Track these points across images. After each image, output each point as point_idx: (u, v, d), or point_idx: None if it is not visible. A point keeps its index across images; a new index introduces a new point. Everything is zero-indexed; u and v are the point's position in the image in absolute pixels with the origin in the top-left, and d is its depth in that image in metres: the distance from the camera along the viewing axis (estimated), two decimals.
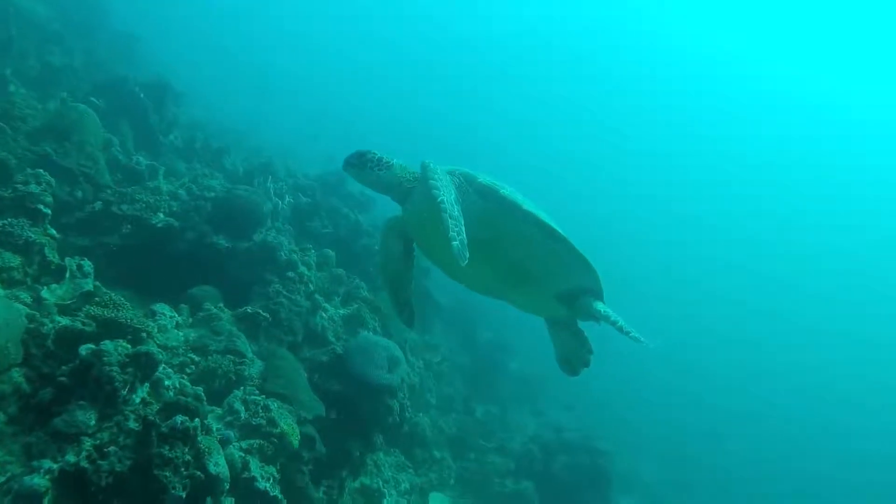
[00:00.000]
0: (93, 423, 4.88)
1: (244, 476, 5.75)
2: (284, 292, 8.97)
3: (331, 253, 11.39)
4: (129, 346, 6.08)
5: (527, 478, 13.34)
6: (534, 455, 14.24)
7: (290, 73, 47.79)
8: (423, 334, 14.66)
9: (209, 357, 7.41)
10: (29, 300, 6.46)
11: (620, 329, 4.01)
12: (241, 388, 7.08)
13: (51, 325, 6.19)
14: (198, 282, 8.75)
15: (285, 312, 8.84)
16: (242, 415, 6.66)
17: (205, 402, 5.62)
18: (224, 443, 5.75)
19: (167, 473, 4.67)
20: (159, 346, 7.35)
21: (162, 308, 7.84)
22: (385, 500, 9.10)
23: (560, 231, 4.05)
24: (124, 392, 5.04)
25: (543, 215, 4.06)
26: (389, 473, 9.81)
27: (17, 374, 5.77)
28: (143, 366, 5.24)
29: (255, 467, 5.93)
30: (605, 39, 71.68)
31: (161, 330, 7.51)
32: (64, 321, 6.41)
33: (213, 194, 10.03)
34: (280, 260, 9.26)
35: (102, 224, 8.89)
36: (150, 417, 4.83)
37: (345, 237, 13.75)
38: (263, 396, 7.10)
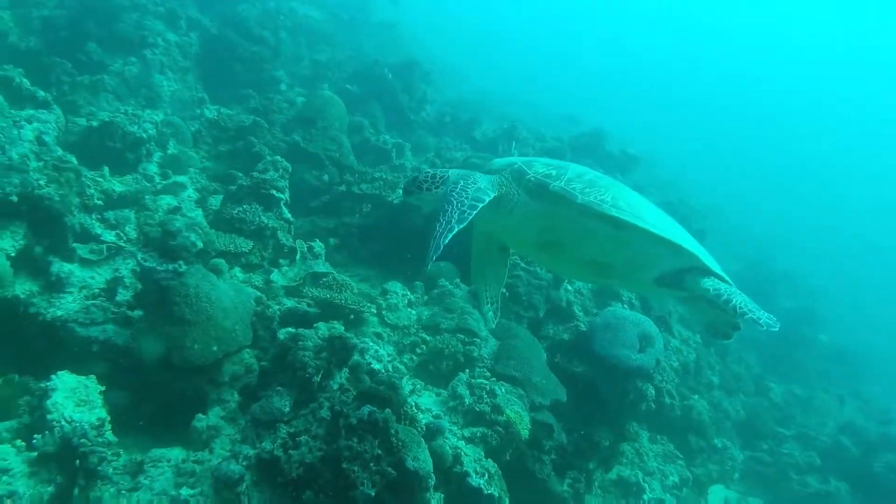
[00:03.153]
0: (287, 409, 4.67)
1: (456, 470, 5.17)
2: (522, 264, 8.27)
3: None
4: (341, 327, 5.91)
5: (837, 477, 10.92)
6: (847, 449, 11.68)
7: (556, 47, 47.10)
8: None
9: (437, 336, 7.01)
10: (261, 283, 6.63)
11: (735, 309, 3.40)
12: (468, 370, 6.54)
13: (276, 308, 6.26)
14: None
15: (524, 286, 8.15)
16: (467, 400, 6.11)
17: (401, 390, 5.13)
18: (435, 432, 5.22)
19: (355, 468, 4.25)
20: (390, 325, 7.21)
21: (394, 286, 7.66)
22: (646, 496, 7.98)
23: (627, 218, 3.41)
24: (317, 378, 4.75)
25: (607, 204, 3.42)
26: (655, 464, 8.61)
27: (249, 356, 5.90)
28: (337, 350, 4.90)
29: (469, 462, 5.31)
30: None
31: (391, 309, 7.31)
32: (289, 303, 6.47)
33: (454, 167, 9.70)
34: None
35: (344, 205, 9.04)
36: (338, 407, 4.46)
37: None
38: (493, 379, 6.49)
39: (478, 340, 7.09)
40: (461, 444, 5.61)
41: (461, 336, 7.06)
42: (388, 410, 4.52)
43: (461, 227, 3.31)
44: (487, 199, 3.45)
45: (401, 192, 3.97)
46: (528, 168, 3.64)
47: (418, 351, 6.98)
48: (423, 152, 11.64)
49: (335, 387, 4.91)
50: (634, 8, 65.95)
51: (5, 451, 4.20)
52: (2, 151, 5.67)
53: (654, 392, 7.64)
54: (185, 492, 4.33)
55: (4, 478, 4.04)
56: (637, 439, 8.42)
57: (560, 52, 46.75)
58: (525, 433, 6.03)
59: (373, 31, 19.63)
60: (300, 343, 4.87)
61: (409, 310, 7.53)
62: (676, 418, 9.57)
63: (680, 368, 10.25)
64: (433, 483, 4.68)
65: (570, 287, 8.73)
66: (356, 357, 5.19)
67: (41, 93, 6.69)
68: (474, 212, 3.36)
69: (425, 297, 7.91)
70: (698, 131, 43.64)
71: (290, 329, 5.21)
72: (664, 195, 16.26)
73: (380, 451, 4.37)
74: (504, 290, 7.88)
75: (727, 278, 3.68)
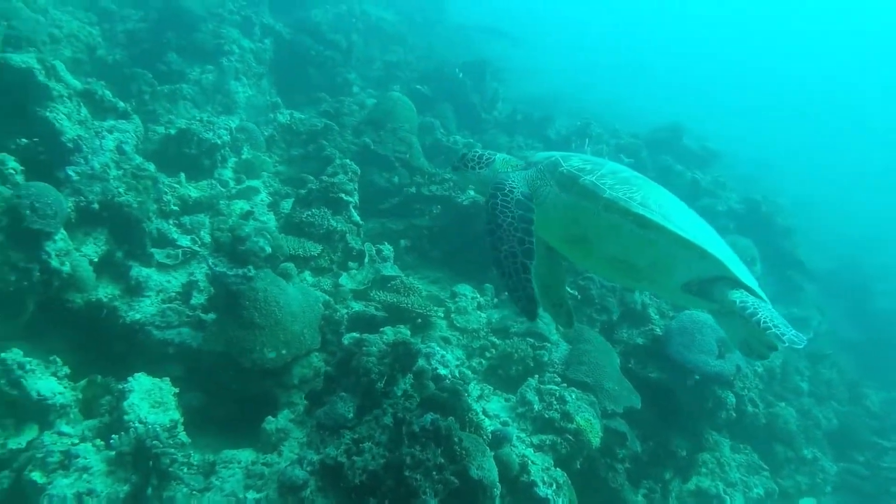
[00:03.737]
0: (351, 415, 4.65)
1: (523, 479, 5.05)
2: None
3: None
4: (407, 331, 5.88)
5: None
6: None
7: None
8: (787, 307, 12.28)
9: (507, 340, 6.90)
10: (330, 287, 6.69)
11: (758, 324, 3.21)
12: (537, 375, 6.39)
13: (344, 311, 6.30)
14: None
15: (596, 288, 7.92)
16: (536, 406, 5.97)
17: (466, 397, 5.05)
18: (501, 440, 5.12)
19: (417, 476, 4.18)
20: (459, 328, 7.15)
21: (463, 289, 7.60)
22: None
23: (652, 217, 3.32)
24: (381, 384, 4.72)
25: (635, 202, 3.36)
26: (737, 475, 8.20)
27: (317, 359, 5.96)
28: (401, 356, 4.86)
29: (537, 471, 5.16)
30: None
31: (460, 312, 7.25)
32: (357, 307, 6.49)
33: None
34: None
35: (414, 206, 9.04)
36: (400, 414, 4.42)
37: (680, 199, 12.07)
38: (564, 385, 6.32)
39: (548, 345, 6.94)
40: (529, 451, 5.47)
41: (531, 340, 6.93)
42: (451, 418, 4.45)
43: (532, 260, 3.28)
44: (533, 216, 3.42)
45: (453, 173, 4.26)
46: (564, 161, 3.62)
47: (487, 355, 6.90)
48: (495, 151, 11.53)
49: (399, 393, 4.85)
50: (717, 5, 63.42)
51: (86, 450, 4.36)
52: (85, 161, 5.92)
53: (734, 400, 7.28)
54: (251, 495, 4.38)
55: (84, 476, 4.19)
56: (717, 448, 8.05)
57: (638, 48, 45.50)
58: (596, 441, 5.84)
59: (446, 32, 19.67)
60: (364, 348, 4.85)
61: (479, 313, 7.45)
62: (761, 427, 9.11)
63: (765, 374, 9.78)
64: (499, 493, 4.58)
65: None
66: (421, 362, 5.13)
67: (121, 104, 6.96)
68: (532, 236, 3.32)
69: (495, 300, 7.83)
70: (787, 127, 41.58)
71: (354, 334, 5.22)
72: (747, 191, 15.58)
73: (443, 460, 4.29)
74: (576, 293, 7.75)
75: (760, 293, 3.51)
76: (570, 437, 5.72)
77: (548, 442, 5.68)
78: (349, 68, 13.06)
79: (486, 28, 21.92)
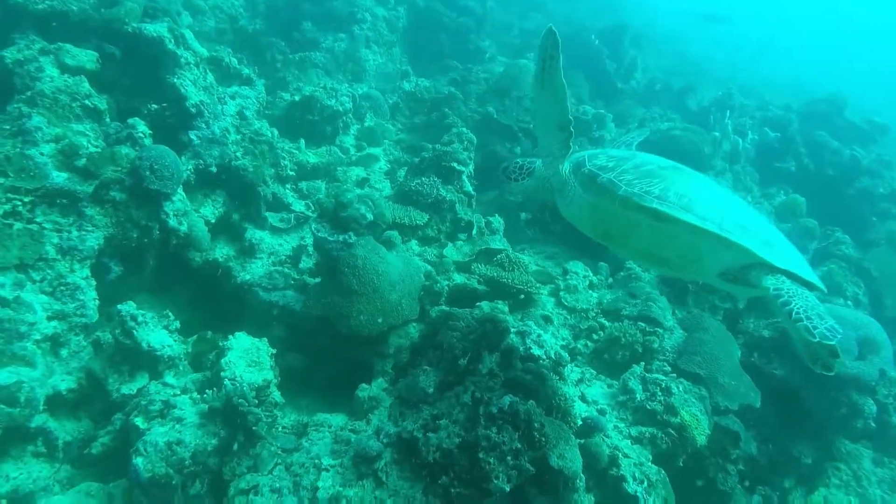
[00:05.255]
0: (431, 390, 4.58)
1: (612, 473, 4.75)
2: None
3: (800, 199, 9.08)
4: (505, 307, 5.71)
5: None
6: None
7: None
8: None
9: (615, 323, 6.53)
10: (434, 257, 6.62)
11: (789, 314, 3.00)
12: (644, 362, 6.00)
13: (445, 283, 6.21)
14: None
15: None
16: (638, 396, 5.61)
17: (554, 380, 4.79)
18: (592, 429, 4.87)
19: (491, 460, 4.04)
20: (567, 307, 6.87)
21: (575, 266, 7.28)
22: None
23: (666, 209, 3.28)
24: (463, 361, 4.60)
25: (651, 195, 3.33)
26: (877, 492, 7.31)
27: (415, 330, 5.93)
28: (488, 333, 4.71)
29: (628, 465, 4.84)
30: None
31: (570, 290, 6.95)
32: (459, 279, 6.39)
33: (654, 139, 8.98)
34: None
35: None
36: (479, 393, 4.29)
37: (834, 178, 10.84)
38: (673, 375, 5.90)
39: (660, 331, 6.49)
40: (625, 443, 5.16)
41: (642, 325, 6.50)
42: (531, 402, 4.25)
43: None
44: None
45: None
46: (588, 161, 3.72)
47: (595, 337, 6.56)
48: (627, 123, 10.90)
49: (484, 371, 4.72)
50: None
51: (183, 402, 4.59)
52: (206, 126, 6.20)
53: (875, 408, 6.45)
54: (326, 461, 4.42)
55: (177, 426, 4.41)
56: (854, 459, 7.21)
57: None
58: (701, 440, 5.39)
59: None
60: (450, 323, 4.76)
61: (590, 292, 7.10)
62: None
63: None
64: (582, 484, 4.36)
65: None
66: (514, 340, 4.95)
67: (246, 70, 7.22)
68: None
69: (609, 280, 7.43)
70: None
71: (443, 307, 5.14)
72: None
73: (520, 445, 4.11)
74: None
75: (815, 281, 3.26)
76: (673, 432, 5.32)
77: (647, 435, 5.32)
78: (483, 35, 12.84)
79: None
